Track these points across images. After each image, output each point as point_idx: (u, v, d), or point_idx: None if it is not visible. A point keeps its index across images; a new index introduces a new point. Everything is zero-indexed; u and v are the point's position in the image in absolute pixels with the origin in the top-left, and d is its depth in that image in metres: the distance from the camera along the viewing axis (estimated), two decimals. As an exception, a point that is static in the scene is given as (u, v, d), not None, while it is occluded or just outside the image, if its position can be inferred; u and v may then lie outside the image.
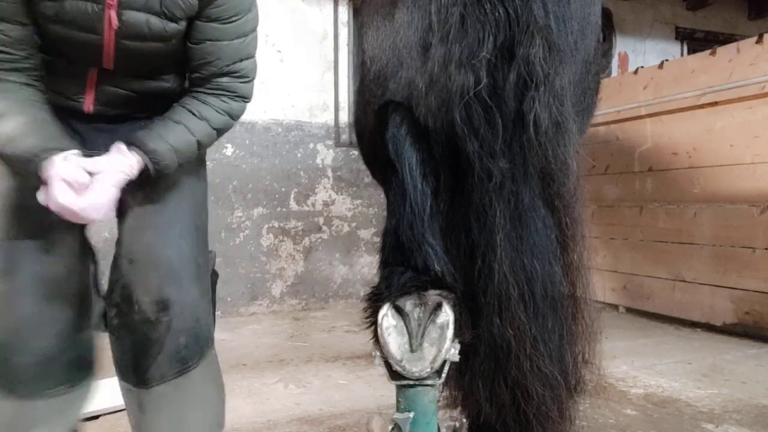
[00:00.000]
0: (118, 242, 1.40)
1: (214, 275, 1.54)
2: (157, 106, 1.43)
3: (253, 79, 1.42)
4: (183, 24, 1.30)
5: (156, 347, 1.34)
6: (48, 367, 1.30)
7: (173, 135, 1.33)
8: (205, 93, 1.38)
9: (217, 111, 1.38)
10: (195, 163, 1.47)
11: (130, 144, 1.29)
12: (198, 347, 1.39)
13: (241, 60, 1.37)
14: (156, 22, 1.26)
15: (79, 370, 1.37)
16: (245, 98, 1.42)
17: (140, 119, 1.46)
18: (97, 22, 1.23)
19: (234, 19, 1.32)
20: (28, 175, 1.21)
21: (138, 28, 1.25)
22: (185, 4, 1.27)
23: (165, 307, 1.33)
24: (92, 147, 1.34)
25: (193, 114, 1.36)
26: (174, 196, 1.41)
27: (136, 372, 1.37)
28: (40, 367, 1.29)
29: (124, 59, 1.31)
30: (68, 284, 1.33)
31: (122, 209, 1.36)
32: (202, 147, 1.40)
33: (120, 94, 1.39)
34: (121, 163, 1.27)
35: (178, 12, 1.27)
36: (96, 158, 1.25)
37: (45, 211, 1.21)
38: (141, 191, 1.36)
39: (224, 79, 1.37)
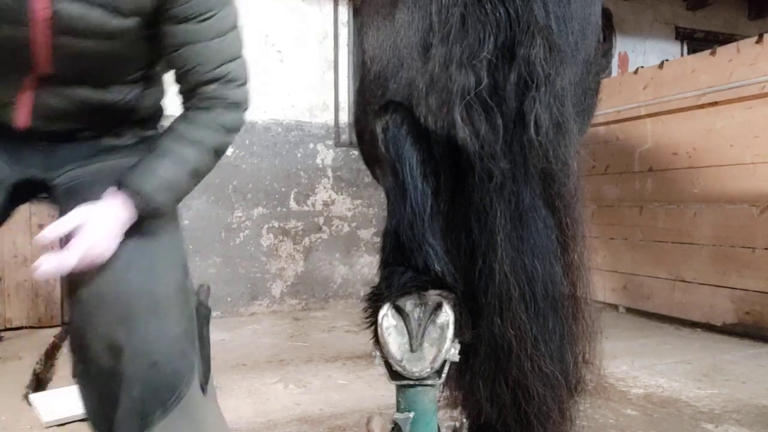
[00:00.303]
0: (63, 279, 1.17)
1: (204, 309, 1.28)
2: (108, 122, 1.25)
3: (246, 82, 1.22)
4: (134, 21, 1.10)
5: (114, 401, 1.13)
6: None
7: (164, 167, 1.14)
8: (193, 109, 1.19)
9: (208, 129, 1.18)
10: None
11: (119, 185, 1.11)
12: (158, 398, 1.12)
13: (226, 62, 1.17)
14: (97, 15, 1.05)
15: None
16: (239, 106, 1.21)
17: (86, 138, 1.26)
18: (21, 12, 1.02)
19: (207, 15, 1.12)
20: None
21: (75, 21, 1.04)
22: None
23: (115, 354, 1.10)
24: (26, 168, 1.19)
25: (184, 138, 1.17)
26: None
27: (102, 426, 1.18)
28: None
29: (64, 61, 1.09)
30: None
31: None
32: (200, 175, 1.21)
33: (62, 106, 1.17)
34: (99, 218, 1.08)
35: (126, 5, 1.07)
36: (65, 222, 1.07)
37: None
38: None
39: (210, 87, 1.17)
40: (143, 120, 1.35)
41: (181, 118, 1.20)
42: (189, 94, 1.19)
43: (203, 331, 1.26)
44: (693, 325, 3.83)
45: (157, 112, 1.41)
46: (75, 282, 1.13)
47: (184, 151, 1.16)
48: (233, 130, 1.22)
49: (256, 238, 4.43)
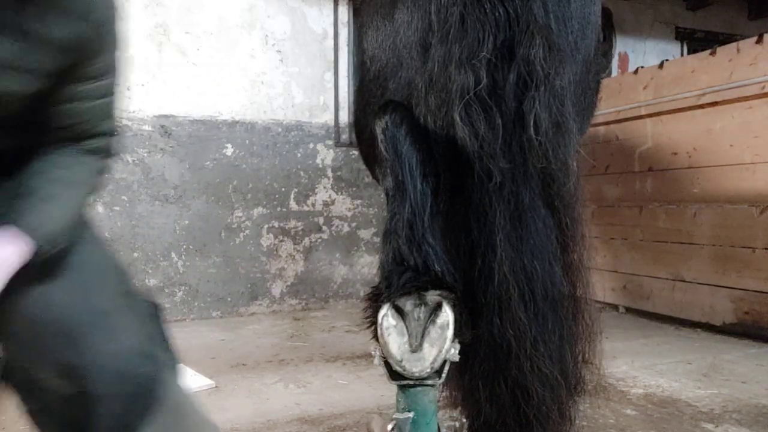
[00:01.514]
0: None
1: (154, 307, 1.23)
2: None
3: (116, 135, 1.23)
4: (37, 83, 1.04)
5: (88, 425, 1.06)
6: None
7: (55, 209, 1.08)
8: (75, 153, 1.15)
9: (92, 172, 1.17)
10: None
11: (6, 225, 1.02)
12: (138, 406, 1.09)
13: (109, 118, 1.17)
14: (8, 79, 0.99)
15: None
16: (111, 155, 1.21)
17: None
18: None
19: (104, 78, 1.12)
20: None
21: None
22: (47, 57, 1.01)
23: (74, 377, 1.04)
24: None
25: (70, 180, 1.13)
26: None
27: None
28: None
29: None
30: None
31: None
32: (74, 220, 1.15)
33: None
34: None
35: (36, 67, 1.01)
36: None
37: None
38: None
39: (95, 140, 1.16)
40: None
41: (58, 163, 1.14)
42: (69, 143, 1.15)
43: (162, 327, 1.22)
44: (693, 325, 3.83)
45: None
46: (3, 320, 1.06)
47: (70, 193, 1.13)
48: (104, 174, 1.22)
49: (256, 238, 4.43)
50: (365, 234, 4.78)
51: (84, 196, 1.17)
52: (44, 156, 1.14)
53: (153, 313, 1.21)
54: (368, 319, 1.22)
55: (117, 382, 1.07)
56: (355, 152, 4.45)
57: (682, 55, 6.10)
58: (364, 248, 4.77)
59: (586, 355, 1.34)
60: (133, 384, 1.09)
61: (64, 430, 1.10)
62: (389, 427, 1.20)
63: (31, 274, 1.05)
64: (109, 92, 1.16)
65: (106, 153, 1.20)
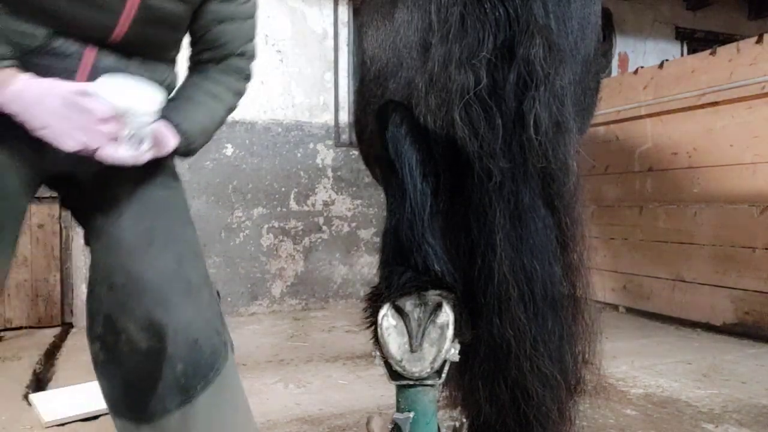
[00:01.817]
0: (93, 268, 1.24)
1: (217, 292, 1.38)
2: None
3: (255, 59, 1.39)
4: None
5: (152, 379, 1.17)
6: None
7: (202, 115, 1.25)
8: (216, 73, 1.30)
9: (230, 91, 1.32)
10: (168, 174, 1.35)
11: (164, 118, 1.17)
12: (200, 373, 1.20)
13: (251, 41, 1.33)
14: None
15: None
16: (249, 78, 1.37)
17: None
18: None
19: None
20: None
21: None
22: None
23: (156, 334, 1.16)
24: (55, 164, 1.17)
25: (213, 94, 1.28)
26: (148, 212, 1.26)
27: (132, 408, 1.19)
28: None
29: (138, 25, 1.12)
30: None
31: (92, 230, 1.25)
32: (217, 127, 1.32)
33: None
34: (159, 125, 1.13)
35: None
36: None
37: None
38: (110, 208, 1.22)
39: (236, 61, 1.31)
40: None
41: (204, 77, 1.30)
42: (212, 64, 1.31)
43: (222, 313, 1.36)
44: (693, 325, 3.83)
45: None
46: (105, 270, 1.20)
47: (213, 105, 1.28)
48: (242, 96, 1.37)
49: (256, 238, 4.43)
50: (365, 234, 4.78)
51: (225, 110, 1.32)
52: (197, 71, 1.31)
53: (217, 296, 1.34)
54: (368, 319, 1.22)
55: (190, 347, 1.18)
56: (355, 152, 4.45)
57: (682, 55, 6.10)
58: (364, 248, 4.77)
59: (586, 355, 1.34)
60: (202, 352, 1.20)
61: (128, 382, 1.19)
62: (389, 427, 1.20)
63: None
64: (253, 13, 1.31)
65: (247, 75, 1.35)
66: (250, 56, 1.34)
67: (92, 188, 1.24)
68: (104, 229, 1.22)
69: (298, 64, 4.56)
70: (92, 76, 1.11)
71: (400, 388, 1.19)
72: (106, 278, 1.20)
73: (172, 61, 1.32)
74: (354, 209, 4.76)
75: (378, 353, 1.18)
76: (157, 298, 1.17)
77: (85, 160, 1.11)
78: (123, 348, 1.17)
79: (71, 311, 3.97)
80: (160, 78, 1.25)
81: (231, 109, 1.34)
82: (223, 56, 1.29)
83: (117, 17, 1.09)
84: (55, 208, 3.88)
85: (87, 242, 1.29)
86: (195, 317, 1.20)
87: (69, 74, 1.10)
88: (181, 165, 1.38)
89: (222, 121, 1.32)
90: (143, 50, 1.20)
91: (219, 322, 1.27)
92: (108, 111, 1.03)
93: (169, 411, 1.17)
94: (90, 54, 1.12)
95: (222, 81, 1.30)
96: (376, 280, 1.25)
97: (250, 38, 1.33)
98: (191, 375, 1.18)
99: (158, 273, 1.19)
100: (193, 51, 1.33)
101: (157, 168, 1.28)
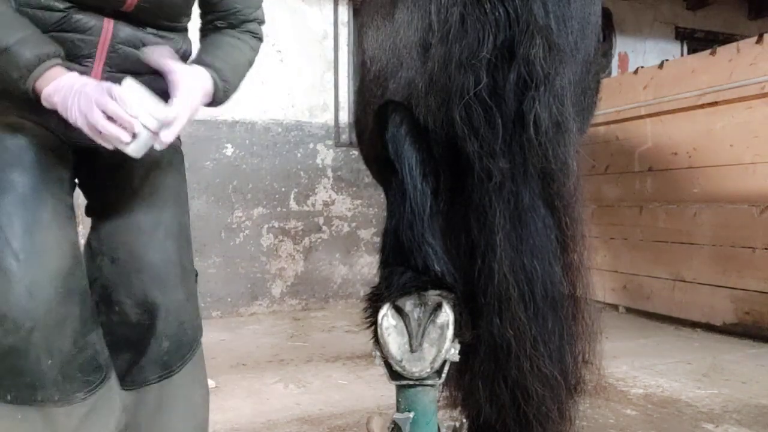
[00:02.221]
0: (96, 239, 1.31)
1: (196, 279, 1.50)
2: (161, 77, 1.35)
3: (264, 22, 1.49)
4: None
5: (137, 351, 1.28)
6: (67, 370, 1.15)
7: (229, 56, 1.32)
8: (236, 32, 1.38)
9: (248, 45, 1.39)
10: (177, 161, 1.42)
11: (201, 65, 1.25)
12: (181, 352, 1.33)
13: (260, 6, 1.42)
14: None
15: (94, 372, 1.20)
16: (261, 39, 1.45)
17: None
18: None
19: None
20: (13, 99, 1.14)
21: None
22: None
23: (149, 311, 1.27)
24: (81, 136, 1.20)
25: (236, 46, 1.36)
26: (159, 196, 1.34)
27: (118, 363, 1.29)
28: (61, 371, 1.14)
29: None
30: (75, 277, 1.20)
31: (102, 203, 1.32)
32: (244, 74, 1.39)
33: (133, 55, 1.23)
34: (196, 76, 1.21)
35: None
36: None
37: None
38: (125, 186, 1.30)
39: (249, 24, 1.40)
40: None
41: (223, 34, 1.38)
42: (229, 29, 1.39)
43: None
44: (693, 325, 3.83)
45: None
46: (110, 244, 1.28)
47: (240, 48, 1.36)
48: (257, 53, 1.44)
49: (256, 238, 4.43)
50: (365, 234, 4.78)
51: (248, 58, 1.40)
52: (213, 33, 1.38)
53: (195, 277, 1.46)
54: (368, 319, 1.22)
55: (177, 327, 1.31)
56: (355, 152, 4.45)
57: (682, 55, 6.10)
58: (364, 248, 4.77)
59: (586, 355, 1.34)
60: (186, 333, 1.34)
61: (112, 349, 1.26)
62: (389, 427, 1.20)
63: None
64: None
65: (259, 37, 1.44)
66: (261, 21, 1.43)
67: (110, 164, 1.29)
68: (117, 207, 1.30)
69: (298, 64, 4.56)
70: (112, 49, 1.21)
71: (400, 388, 1.19)
72: (109, 251, 1.29)
73: (185, 29, 1.38)
74: (354, 209, 4.76)
75: (378, 353, 1.18)
76: (156, 280, 1.28)
77: None
78: (113, 318, 1.28)
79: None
80: (176, 46, 1.31)
81: (251, 63, 1.41)
82: (239, 22, 1.38)
83: None
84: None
85: (89, 213, 1.37)
86: (185, 301, 1.33)
87: (91, 47, 1.18)
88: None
89: (249, 66, 1.40)
90: (156, 19, 1.26)
91: (197, 307, 1.42)
92: (121, 113, 1.08)
93: (149, 382, 1.29)
94: (108, 26, 1.19)
95: (240, 37, 1.38)
96: (376, 280, 1.25)
97: (259, 5, 1.42)
98: (174, 352, 1.31)
99: (160, 257, 1.29)
100: (205, 20, 1.40)
101: (172, 153, 1.37)
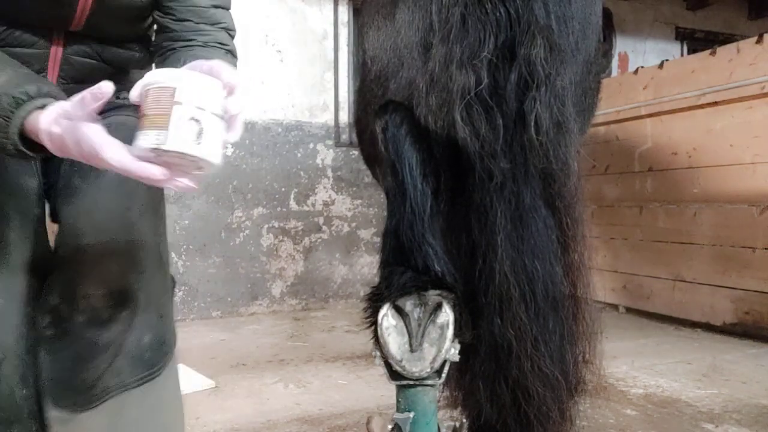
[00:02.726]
0: (59, 233, 1.10)
1: (173, 281, 1.29)
2: (124, 80, 1.22)
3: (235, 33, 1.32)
4: None
5: (110, 352, 1.03)
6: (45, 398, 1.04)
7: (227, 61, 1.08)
8: (204, 49, 1.22)
9: (232, 63, 1.25)
10: None
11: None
12: (164, 349, 1.12)
13: (223, 20, 1.29)
14: None
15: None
16: (236, 57, 1.31)
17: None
18: None
19: None
20: None
21: None
22: None
23: (124, 300, 1.04)
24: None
25: (230, 61, 1.21)
26: (130, 178, 1.12)
27: (79, 389, 1.03)
28: (38, 400, 1.04)
29: (99, 14, 1.11)
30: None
31: (67, 194, 1.10)
32: None
33: (87, 66, 1.16)
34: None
35: None
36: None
37: None
38: (93, 169, 1.00)
39: (230, 41, 1.29)
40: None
41: (189, 50, 1.20)
42: (183, 41, 1.22)
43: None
44: (693, 325, 3.83)
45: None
46: (74, 231, 1.06)
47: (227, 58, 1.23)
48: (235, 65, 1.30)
49: (256, 238, 4.43)
50: (365, 234, 4.78)
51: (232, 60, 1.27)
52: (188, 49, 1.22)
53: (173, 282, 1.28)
54: (368, 319, 1.22)
55: (158, 320, 1.11)
56: (355, 152, 4.45)
57: (682, 55, 6.10)
58: (364, 248, 4.77)
59: (587, 355, 1.34)
60: (168, 328, 1.16)
61: (79, 357, 1.04)
62: (389, 427, 1.20)
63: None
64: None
65: (231, 50, 1.30)
66: (230, 30, 1.28)
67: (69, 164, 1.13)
68: (80, 190, 1.08)
69: (298, 64, 4.56)
70: (65, 61, 1.14)
71: (400, 388, 1.19)
72: (73, 240, 1.06)
73: (142, 36, 1.28)
74: (354, 209, 4.75)
75: (378, 353, 1.18)
76: (132, 264, 1.07)
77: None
78: (78, 318, 1.04)
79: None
80: (130, 57, 1.24)
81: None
82: (223, 39, 1.24)
83: (73, 12, 1.09)
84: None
85: (54, 218, 1.16)
86: (163, 292, 1.15)
87: (42, 61, 1.12)
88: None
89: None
90: (109, 33, 1.19)
91: (172, 312, 1.23)
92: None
93: (127, 387, 1.06)
94: (58, 42, 1.13)
95: (212, 54, 1.18)
96: (376, 280, 1.25)
97: (222, 18, 1.27)
98: (156, 348, 1.10)
99: (135, 239, 1.07)
100: (163, 43, 1.23)
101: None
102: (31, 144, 0.89)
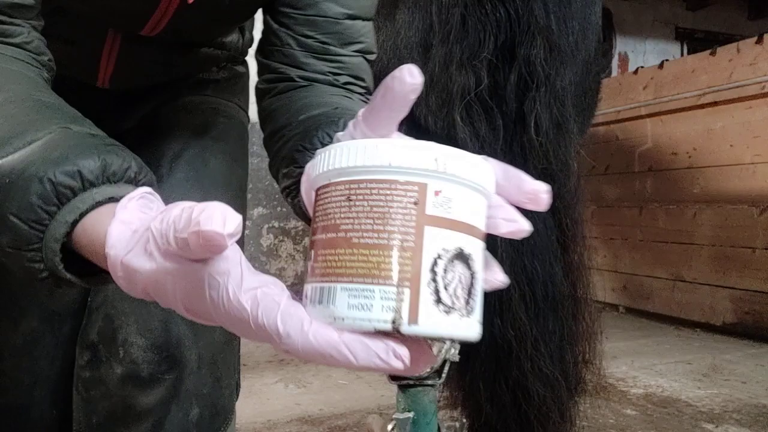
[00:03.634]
0: None
1: None
2: (205, 63, 1.01)
3: None
4: None
5: (147, 424, 0.81)
6: None
7: None
8: (341, 90, 0.88)
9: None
10: (231, 134, 1.05)
11: None
12: (215, 424, 0.89)
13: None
14: None
15: None
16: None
17: (162, 89, 0.99)
18: None
19: None
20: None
21: None
22: None
23: (171, 358, 0.81)
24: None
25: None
26: (199, 184, 0.91)
27: None
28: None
29: (185, 18, 0.81)
30: None
31: None
32: None
33: (154, 64, 0.92)
34: None
35: None
36: None
37: None
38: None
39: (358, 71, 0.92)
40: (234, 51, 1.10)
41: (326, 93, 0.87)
42: (300, 69, 0.89)
43: None
44: (693, 325, 3.83)
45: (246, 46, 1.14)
46: None
47: None
48: None
49: (256, 238, 4.43)
50: (365, 234, 4.78)
51: None
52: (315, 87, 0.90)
53: None
54: (368, 320, 1.22)
55: (211, 383, 0.87)
56: (355, 152, 4.44)
57: (682, 55, 6.10)
58: (364, 248, 4.77)
59: (587, 356, 1.34)
60: (222, 394, 0.92)
61: (104, 421, 0.84)
62: (389, 427, 1.20)
63: None
64: None
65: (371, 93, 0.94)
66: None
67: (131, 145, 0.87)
68: None
69: (298, 64, 4.56)
70: (122, 61, 0.88)
71: (400, 388, 1.19)
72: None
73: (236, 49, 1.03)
74: (354, 209, 4.75)
75: (378, 353, 1.18)
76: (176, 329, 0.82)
77: (127, 114, 0.95)
78: (116, 369, 0.81)
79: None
80: (219, 56, 1.00)
81: None
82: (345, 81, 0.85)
83: (151, 11, 0.79)
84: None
85: None
86: (222, 347, 0.87)
87: (89, 63, 0.87)
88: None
89: None
90: (190, 40, 0.94)
91: (237, 348, 0.99)
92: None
93: None
94: (115, 40, 0.86)
95: (351, 97, 0.83)
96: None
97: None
98: (206, 425, 0.87)
99: None
100: (274, 65, 0.86)
101: (225, 123, 1.02)
102: (75, 259, 0.48)
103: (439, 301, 0.36)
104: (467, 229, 0.39)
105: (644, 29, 6.01)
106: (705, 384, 2.67)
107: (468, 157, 0.39)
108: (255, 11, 0.90)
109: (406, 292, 0.35)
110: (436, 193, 0.37)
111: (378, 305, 0.35)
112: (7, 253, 0.46)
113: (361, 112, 0.47)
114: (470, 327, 0.39)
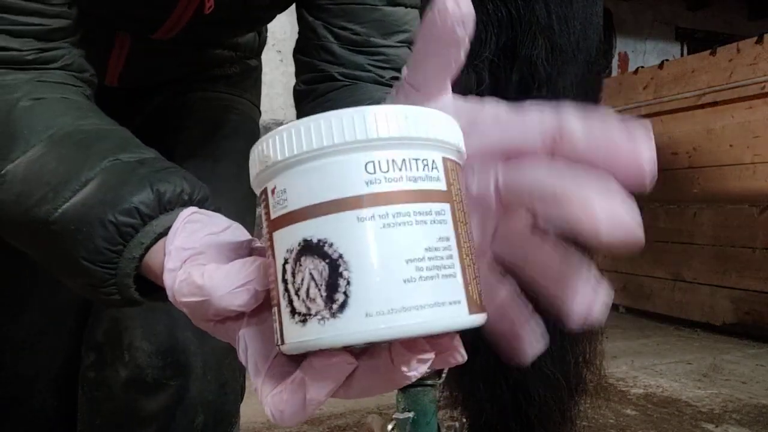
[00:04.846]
0: None
1: None
2: (218, 61, 0.98)
3: None
4: None
5: (151, 428, 0.79)
6: None
7: None
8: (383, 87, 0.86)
9: None
10: (244, 134, 1.02)
11: None
12: (220, 429, 0.86)
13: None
14: None
15: None
16: None
17: (172, 84, 0.97)
18: None
19: None
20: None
21: None
22: None
23: (176, 364, 0.79)
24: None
25: None
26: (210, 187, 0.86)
27: None
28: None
29: (202, 24, 0.78)
30: None
31: None
32: None
33: (164, 64, 0.91)
34: None
35: None
36: None
37: None
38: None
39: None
40: (249, 52, 1.09)
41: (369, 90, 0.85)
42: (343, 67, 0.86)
43: None
44: (693, 325, 3.83)
45: (261, 46, 1.11)
46: None
47: None
48: None
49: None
50: (365, 233, 4.78)
51: None
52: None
53: None
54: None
55: (217, 389, 0.85)
56: (355, 152, 4.44)
57: (682, 55, 6.10)
58: (363, 248, 4.77)
59: (587, 356, 1.34)
60: (227, 400, 0.88)
61: (107, 423, 0.83)
62: (389, 427, 1.20)
63: None
64: None
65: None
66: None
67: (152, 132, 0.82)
68: None
69: (298, 63, 4.56)
70: (132, 60, 0.86)
71: (400, 388, 1.19)
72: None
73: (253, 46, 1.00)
74: (354, 209, 4.75)
75: (379, 353, 1.18)
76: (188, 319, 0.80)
77: (137, 110, 0.93)
78: (121, 372, 0.79)
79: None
80: (230, 57, 0.98)
81: None
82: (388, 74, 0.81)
83: (165, 16, 0.77)
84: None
85: None
86: (229, 350, 0.77)
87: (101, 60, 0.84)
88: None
89: None
90: (205, 41, 0.93)
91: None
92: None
93: None
94: (125, 40, 0.85)
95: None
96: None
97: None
98: (211, 430, 0.85)
99: None
100: (315, 62, 0.83)
101: (238, 123, 0.99)
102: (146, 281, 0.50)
103: (293, 312, 0.32)
104: (318, 210, 0.30)
105: (644, 29, 6.01)
106: (705, 384, 2.67)
107: (311, 122, 0.31)
108: (275, 15, 0.87)
109: (275, 311, 0.33)
110: (272, 192, 0.33)
111: (275, 328, 0.34)
112: (87, 290, 0.50)
113: (405, 69, 0.40)
114: (346, 327, 0.31)
